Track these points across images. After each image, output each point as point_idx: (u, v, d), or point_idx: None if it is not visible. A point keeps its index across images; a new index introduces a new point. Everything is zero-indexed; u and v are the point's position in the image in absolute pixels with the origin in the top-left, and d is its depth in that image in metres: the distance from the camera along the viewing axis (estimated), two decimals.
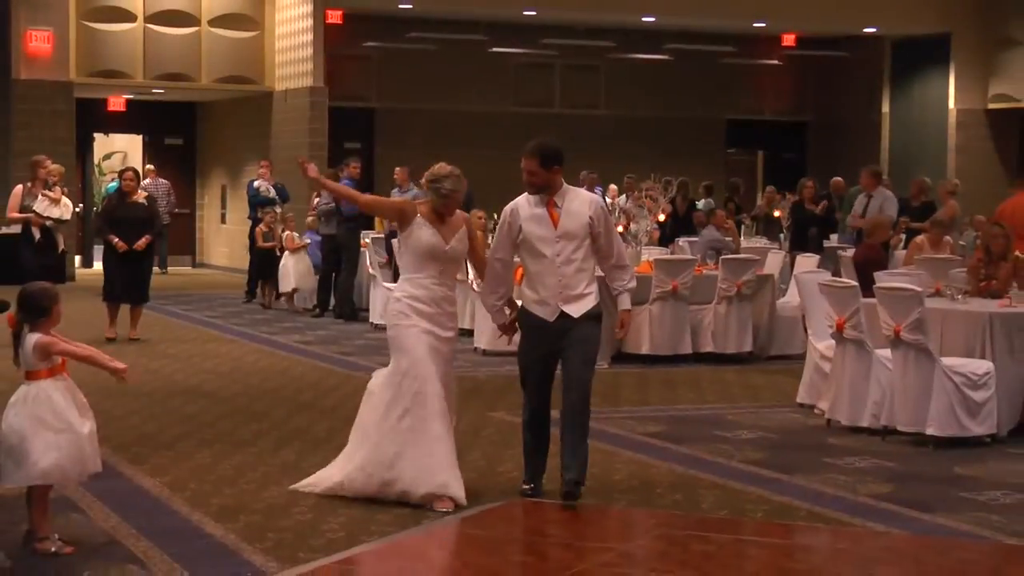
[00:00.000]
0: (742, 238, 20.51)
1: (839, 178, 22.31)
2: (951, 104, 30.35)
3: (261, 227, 21.08)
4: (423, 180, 8.64)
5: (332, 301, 19.86)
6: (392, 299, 8.59)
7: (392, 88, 29.77)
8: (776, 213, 22.85)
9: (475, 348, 16.03)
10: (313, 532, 7.81)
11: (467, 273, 16.72)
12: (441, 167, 8.56)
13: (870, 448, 10.53)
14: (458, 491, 8.19)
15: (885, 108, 31.98)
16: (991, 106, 30.18)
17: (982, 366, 10.63)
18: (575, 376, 8.43)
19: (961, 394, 10.48)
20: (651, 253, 16.95)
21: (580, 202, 8.54)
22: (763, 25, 30.40)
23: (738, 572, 7.23)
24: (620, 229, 17.78)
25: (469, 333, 16.55)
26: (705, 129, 32.45)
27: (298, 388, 13.34)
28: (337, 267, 19.62)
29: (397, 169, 20.68)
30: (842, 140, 31.98)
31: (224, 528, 7.89)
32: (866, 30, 30.59)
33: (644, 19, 29.19)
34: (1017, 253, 12.90)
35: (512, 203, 8.61)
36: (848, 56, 32.50)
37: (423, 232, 8.36)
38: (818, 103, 33.59)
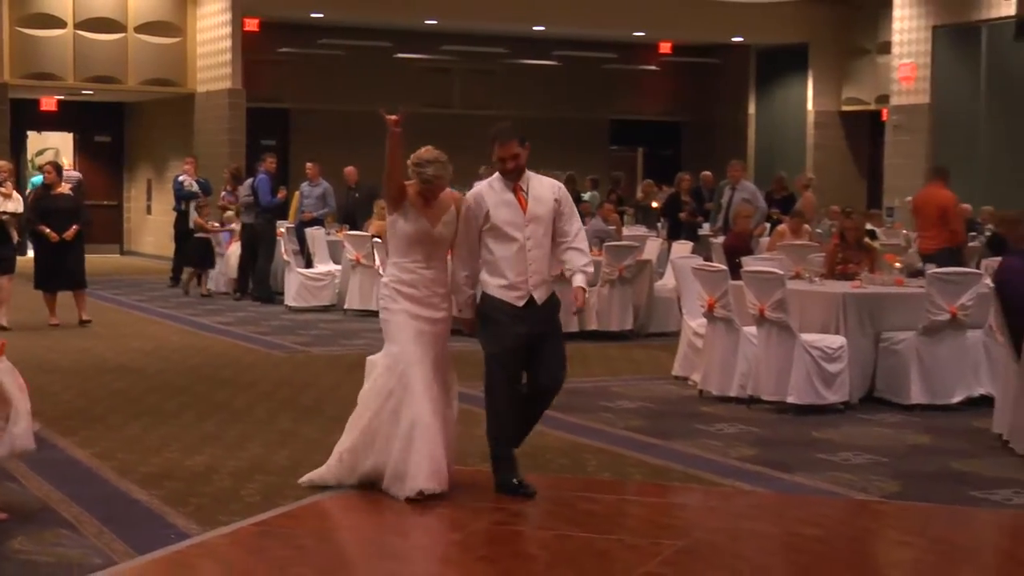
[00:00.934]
0: (624, 227, 20.60)
1: (708, 172, 22.47)
2: (809, 106, 30.70)
3: (197, 219, 20.87)
4: (408, 163, 7.73)
5: (250, 285, 19.74)
6: (381, 284, 7.92)
7: (305, 90, 29.66)
8: (654, 204, 22.96)
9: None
10: (232, 497, 7.75)
11: (375, 257, 16.70)
12: (427, 151, 7.78)
13: (738, 415, 10.62)
14: (425, 483, 7.36)
15: (751, 110, 32.30)
16: (844, 108, 30.57)
17: (836, 341, 10.75)
18: (553, 377, 7.80)
19: (818, 366, 10.59)
20: None
21: (544, 187, 7.84)
22: (642, 34, 30.62)
23: (620, 529, 7.26)
24: None
25: (376, 314, 16.50)
26: (590, 128, 32.59)
27: (219, 365, 13.23)
28: (254, 254, 19.51)
29: (309, 164, 20.64)
30: (713, 138, 32.25)
31: (150, 494, 7.81)
32: (734, 40, 30.85)
33: (535, 28, 29.27)
34: (867, 240, 13.07)
35: (472, 194, 7.87)
36: (718, 63, 32.77)
37: (410, 215, 7.61)
38: (692, 105, 33.81)
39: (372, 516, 7.25)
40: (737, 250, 14.17)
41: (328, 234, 19.32)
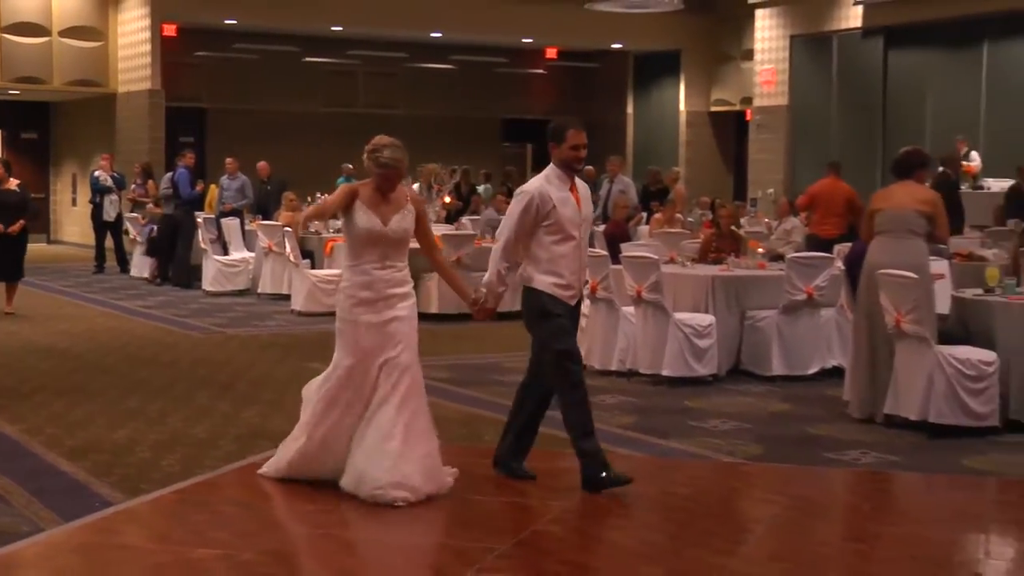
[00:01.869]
0: None
1: (591, 167, 22.53)
2: (681, 107, 30.90)
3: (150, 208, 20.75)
4: (364, 153, 6.96)
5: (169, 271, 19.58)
6: (339, 292, 6.95)
7: (220, 91, 29.37)
8: None
9: (291, 310, 15.89)
10: (153, 468, 7.68)
11: (285, 245, 16.58)
12: (381, 137, 6.97)
13: (618, 387, 10.69)
14: (391, 491, 6.57)
15: (629, 110, 32.46)
16: (712, 109, 30.81)
17: (706, 319, 10.86)
18: None
19: (689, 342, 10.69)
20: (439, 230, 16.93)
21: (584, 188, 7.15)
22: (530, 41, 30.65)
23: (513, 492, 7.26)
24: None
25: (287, 297, 16.45)
26: (483, 126, 32.58)
27: (141, 345, 13.07)
28: (173, 243, 19.33)
29: (228, 159, 20.50)
30: (595, 136, 32.21)
31: (76, 466, 7.71)
32: (613, 46, 30.99)
33: (432, 35, 29.21)
34: (733, 227, 13.20)
35: (534, 188, 6.97)
36: (599, 67, 32.88)
37: (360, 216, 6.76)
38: (575, 105, 33.87)
39: (285, 484, 7.19)
40: (616, 237, 14.26)
41: (247, 224, 19.23)
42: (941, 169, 16.37)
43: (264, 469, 7.12)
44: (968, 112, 24.24)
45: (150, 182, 21.18)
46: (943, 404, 8.68)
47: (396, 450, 6.62)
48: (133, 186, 21.28)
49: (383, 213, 6.81)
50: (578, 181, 7.05)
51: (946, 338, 8.92)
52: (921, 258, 9.07)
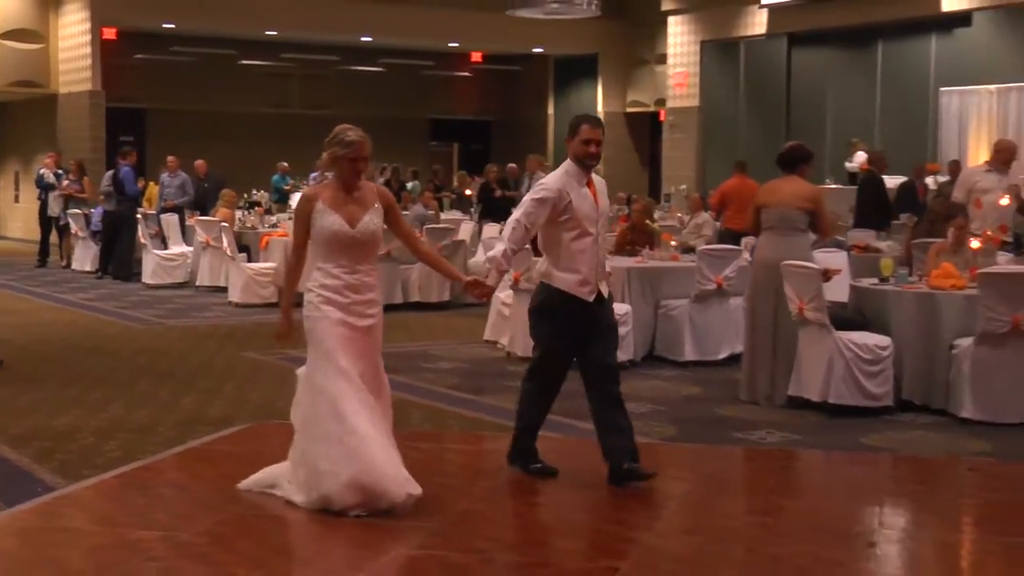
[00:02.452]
0: (441, 212, 20.60)
1: (514, 165, 22.57)
2: (599, 108, 30.99)
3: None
4: (325, 149, 6.32)
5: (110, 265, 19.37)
6: (306, 290, 6.31)
7: (159, 92, 29.15)
8: (467, 192, 22.99)
9: (229, 302, 15.77)
10: (95, 453, 7.58)
11: (223, 240, 16.45)
12: (340, 126, 6.43)
13: None
14: (347, 496, 6.03)
15: (550, 110, 32.55)
16: (628, 110, 31.00)
17: (622, 308, 10.88)
18: (610, 366, 6.75)
19: None
20: None
21: (601, 183, 6.75)
22: (456, 45, 30.68)
23: (441, 473, 7.25)
24: None
25: (224, 289, 16.34)
26: (412, 126, 32.55)
27: (83, 336, 12.91)
28: (114, 237, 19.14)
29: (170, 158, 20.59)
30: (518, 135, 32.41)
31: (19, 453, 7.60)
32: (535, 50, 31.05)
33: (363, 39, 29.12)
34: (647, 222, 13.27)
35: (554, 181, 6.58)
36: (522, 70, 32.95)
37: (325, 219, 6.12)
38: (499, 106, 33.96)
39: (222, 467, 7.14)
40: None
41: (187, 219, 19.12)
42: (868, 168, 16.54)
43: (284, 493, 6.31)
44: (865, 110, 24.57)
45: (85, 179, 20.96)
46: (842, 386, 8.79)
47: (368, 461, 6.01)
48: (66, 182, 21.04)
49: (350, 213, 6.17)
50: (596, 176, 6.72)
51: (844, 324, 9.02)
52: (805, 253, 9.19)
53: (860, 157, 22.08)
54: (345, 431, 6.00)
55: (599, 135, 6.60)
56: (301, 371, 6.45)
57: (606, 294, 6.74)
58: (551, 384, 6.86)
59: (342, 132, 6.32)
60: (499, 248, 6.57)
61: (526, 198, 6.69)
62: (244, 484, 6.49)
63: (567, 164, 6.66)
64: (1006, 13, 22.53)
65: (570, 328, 6.63)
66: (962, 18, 22.96)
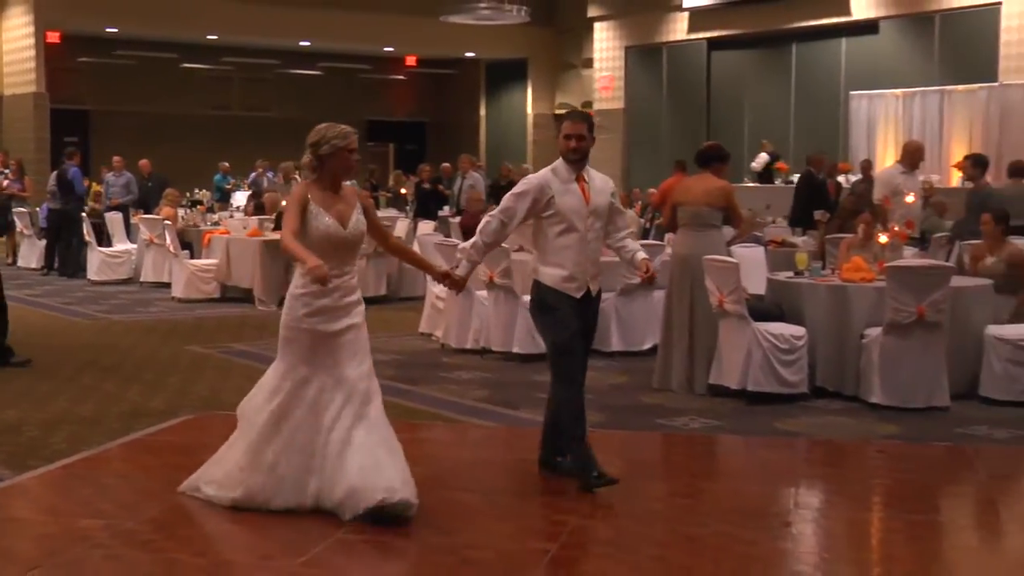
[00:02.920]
0: (379, 210, 20.52)
1: (447, 164, 22.55)
2: (529, 110, 31.12)
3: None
4: (307, 152, 5.90)
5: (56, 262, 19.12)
6: (290, 296, 5.82)
7: (103, 94, 28.83)
8: (403, 190, 22.94)
9: (172, 297, 15.62)
10: (41, 445, 7.45)
11: (166, 238, 16.27)
12: (322, 125, 6.03)
13: (473, 364, 10.70)
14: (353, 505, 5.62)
15: (482, 112, 32.59)
16: (557, 111, 31.09)
17: None
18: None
19: None
20: None
21: (601, 180, 6.45)
22: (391, 49, 30.62)
23: None
24: (284, 203, 17.65)
25: (167, 285, 16.18)
26: (349, 126, 32.40)
27: (29, 332, 12.64)
28: (59, 235, 18.92)
29: (116, 158, 20.39)
30: (451, 136, 32.39)
31: None
32: (467, 54, 31.07)
33: (302, 43, 28.99)
34: None
35: (536, 177, 6.36)
36: (454, 73, 32.93)
37: (319, 220, 5.71)
38: (433, 108, 33.92)
39: (166, 458, 7.07)
40: (471, 228, 14.20)
41: (132, 217, 18.94)
42: (807, 168, 16.68)
43: (207, 493, 5.96)
44: (780, 111, 24.83)
45: (26, 178, 20.68)
46: (759, 374, 8.86)
47: (385, 460, 5.69)
48: (7, 182, 20.75)
49: (340, 213, 5.79)
50: (592, 172, 6.41)
51: (762, 316, 9.09)
52: (719, 248, 9.25)
53: (762, 158, 22.31)
54: (318, 445, 5.68)
55: (580, 129, 6.33)
56: (271, 371, 5.99)
57: (595, 291, 6.41)
58: (576, 377, 6.38)
59: (332, 127, 5.96)
60: (470, 242, 6.39)
61: (508, 193, 6.45)
62: (182, 487, 6.13)
63: (557, 161, 6.40)
64: (910, 22, 22.86)
65: (571, 322, 6.29)
66: (870, 25, 23.28)
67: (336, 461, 5.65)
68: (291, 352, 5.80)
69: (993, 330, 9.08)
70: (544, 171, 6.39)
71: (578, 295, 6.30)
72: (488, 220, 6.32)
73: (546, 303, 6.34)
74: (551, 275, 6.30)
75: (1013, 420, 8.41)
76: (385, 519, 5.53)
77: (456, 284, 6.36)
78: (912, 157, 12.54)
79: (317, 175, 5.85)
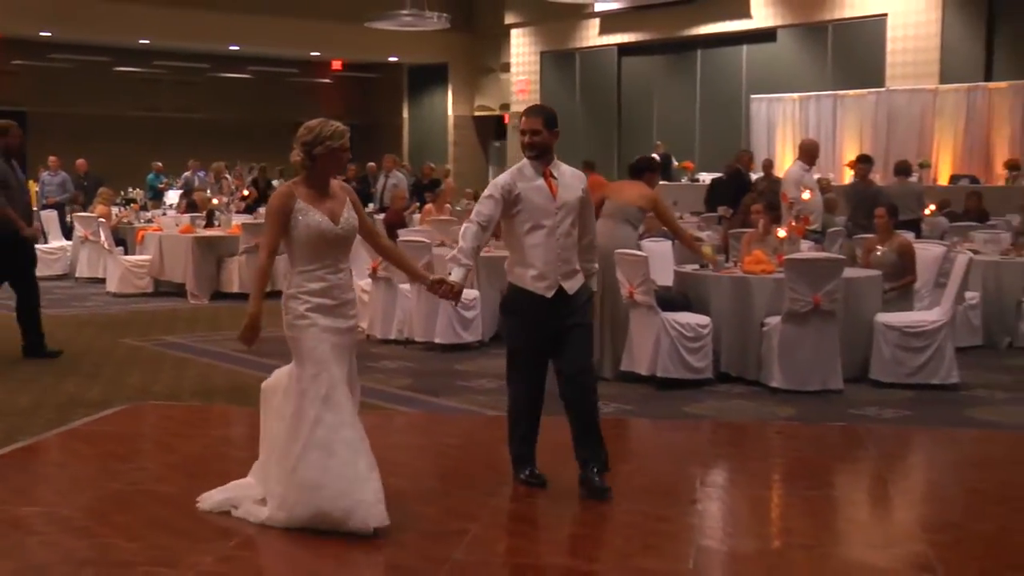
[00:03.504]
0: None
1: (373, 164, 22.44)
2: (449, 112, 31.06)
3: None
4: (296, 144, 5.40)
5: None
6: (287, 297, 5.37)
7: (39, 96, 28.31)
8: None
9: (107, 292, 15.38)
10: None
11: (100, 234, 16.01)
12: (317, 122, 5.50)
13: (396, 354, 10.67)
14: (376, 515, 5.18)
15: (405, 114, 32.48)
16: (476, 113, 31.10)
17: (471, 293, 10.89)
18: (579, 371, 5.90)
19: (457, 313, 10.71)
20: (240, 219, 16.61)
21: (571, 175, 5.96)
22: (318, 54, 30.40)
23: None
24: (215, 201, 17.46)
25: (102, 280, 15.94)
26: (278, 128, 31.87)
27: None
28: None
29: (51, 158, 20.16)
30: (376, 137, 32.23)
31: None
32: (390, 59, 30.93)
33: (231, 48, 28.66)
34: None
35: (502, 177, 5.91)
36: (378, 77, 32.78)
37: (309, 218, 5.22)
38: (359, 110, 33.71)
39: (101, 446, 6.96)
40: (394, 224, 14.20)
41: (68, 214, 18.63)
42: (736, 166, 16.83)
43: (244, 514, 5.43)
44: (686, 113, 25.04)
45: None
46: (668, 361, 8.93)
47: (375, 473, 5.25)
48: None
49: (331, 210, 5.31)
50: (563, 168, 5.94)
51: (670, 306, 9.16)
52: (631, 242, 9.32)
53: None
54: (336, 443, 5.15)
55: (534, 124, 5.85)
56: (273, 383, 5.55)
57: (571, 290, 5.83)
58: (525, 386, 5.98)
59: (326, 125, 5.43)
60: (458, 246, 5.82)
61: (480, 197, 5.97)
62: (203, 504, 5.61)
63: (524, 160, 5.96)
64: (806, 31, 23.17)
65: (533, 326, 5.83)
66: (769, 33, 23.56)
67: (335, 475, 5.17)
68: (297, 352, 5.35)
69: (882, 318, 9.24)
70: (511, 170, 5.97)
71: (549, 294, 5.79)
72: (467, 226, 5.81)
73: (509, 306, 6.00)
74: (521, 275, 5.85)
75: (900, 401, 8.57)
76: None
77: (453, 292, 5.72)
78: (812, 154, 12.73)
79: (306, 173, 5.35)
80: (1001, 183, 18.77)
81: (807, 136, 21.53)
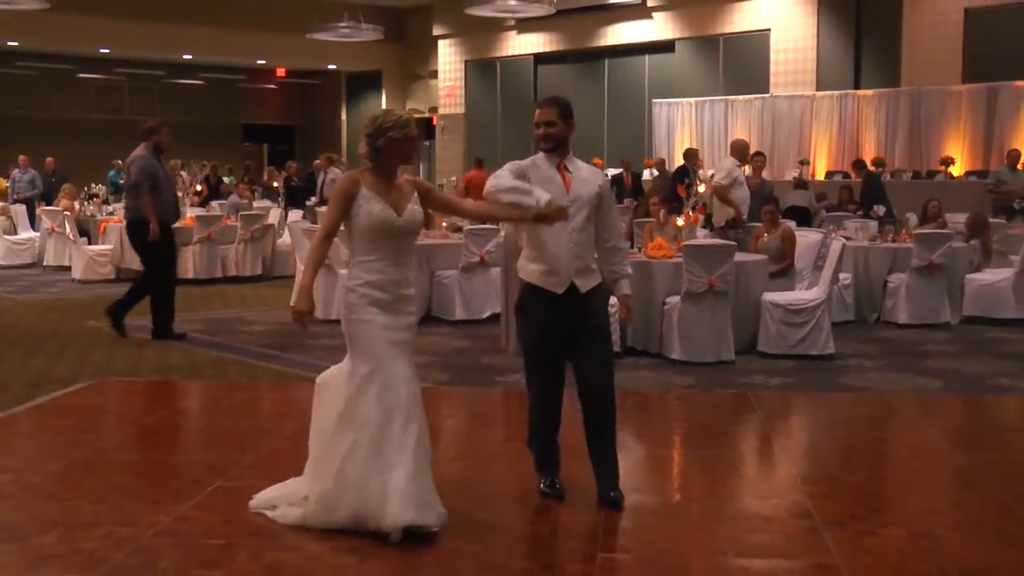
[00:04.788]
0: (254, 200, 20.10)
1: (319, 161, 22.21)
2: None
3: None
4: (364, 136, 4.66)
5: None
6: (345, 289, 4.72)
7: (6, 100, 27.67)
8: (275, 184, 22.53)
9: (72, 279, 15.08)
10: None
11: (65, 227, 15.68)
12: (383, 110, 4.81)
13: (335, 332, 10.40)
14: (428, 517, 4.58)
15: (343, 116, 32.17)
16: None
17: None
18: (594, 380, 5.11)
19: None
20: (193, 212, 16.37)
21: (588, 171, 5.14)
22: (264, 62, 30.01)
23: (253, 417, 7.10)
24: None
25: (68, 268, 15.62)
26: (227, 130, 31.73)
27: None
28: None
29: (22, 157, 19.76)
30: (316, 137, 31.95)
31: None
32: (329, 67, 30.62)
33: (184, 56, 28.20)
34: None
35: (517, 162, 5.00)
36: (319, 83, 32.45)
37: (372, 206, 4.60)
38: (301, 113, 33.39)
39: (67, 419, 6.82)
40: None
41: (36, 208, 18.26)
42: (683, 164, 16.89)
43: (279, 515, 4.84)
44: (596, 117, 25.10)
45: None
46: None
47: (412, 481, 4.56)
48: None
49: (395, 202, 4.66)
50: (578, 163, 5.14)
51: None
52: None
53: None
54: (384, 444, 4.53)
55: (549, 115, 5.05)
56: (327, 378, 4.78)
57: (584, 288, 5.02)
58: (538, 390, 5.19)
59: (387, 116, 4.69)
60: (505, 187, 4.82)
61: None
62: (254, 502, 4.99)
63: (540, 152, 5.13)
64: (701, 43, 23.36)
65: (545, 325, 5.04)
66: (668, 45, 23.71)
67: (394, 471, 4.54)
68: (355, 348, 4.63)
69: (768, 297, 9.36)
70: (524, 160, 5.08)
71: (559, 290, 4.99)
72: (498, 174, 4.91)
73: (521, 305, 5.18)
74: (532, 271, 5.07)
75: (784, 370, 8.70)
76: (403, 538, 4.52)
77: (559, 212, 4.78)
78: (743, 152, 12.80)
79: (373, 164, 4.70)
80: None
81: (702, 137, 21.77)
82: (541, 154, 5.09)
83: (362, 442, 4.53)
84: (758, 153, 14.54)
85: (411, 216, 4.67)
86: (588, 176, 5.10)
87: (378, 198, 4.62)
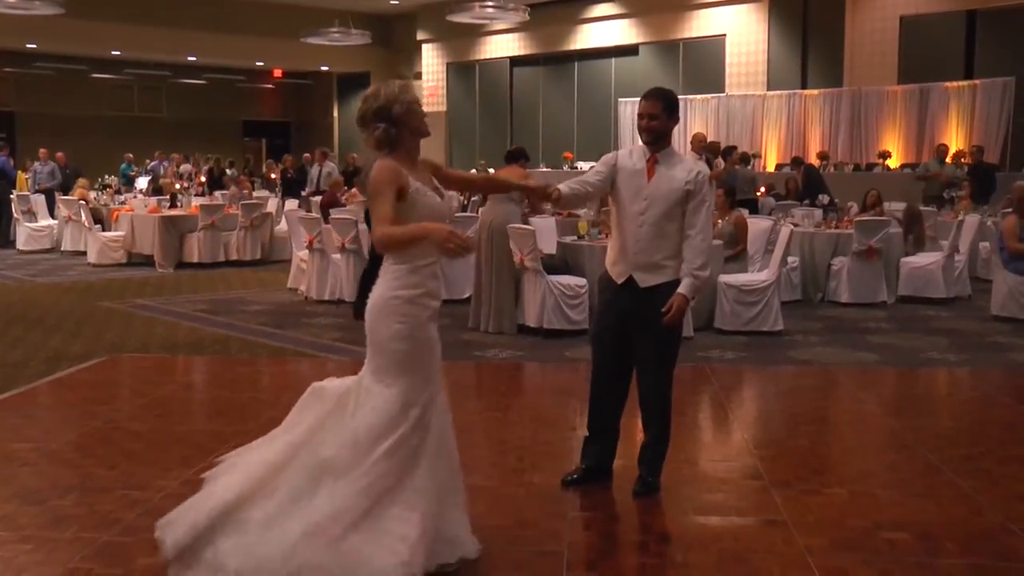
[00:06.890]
0: (254, 191, 19.98)
1: (308, 155, 22.08)
2: None
3: None
4: (368, 118, 3.59)
5: None
6: (399, 300, 3.52)
7: (25, 99, 27.37)
8: (273, 176, 22.39)
9: (87, 263, 14.97)
10: None
11: (81, 215, 15.51)
12: (372, 89, 3.64)
13: (330, 312, 10.55)
14: (470, 548, 3.77)
15: (335, 114, 31.97)
16: None
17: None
18: (641, 379, 4.70)
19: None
20: (198, 201, 16.25)
21: (681, 167, 4.56)
22: (262, 63, 29.78)
23: (253, 389, 7.09)
24: (177, 186, 17.04)
25: (83, 253, 15.52)
26: (229, 126, 31.51)
27: None
28: None
29: (42, 150, 19.68)
30: (310, 133, 31.77)
31: None
32: (322, 68, 30.43)
33: (189, 58, 27.96)
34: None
35: (615, 152, 4.68)
36: (312, 83, 32.24)
37: (428, 199, 3.52)
38: (297, 111, 33.17)
39: (83, 392, 6.76)
40: (329, 204, 13.97)
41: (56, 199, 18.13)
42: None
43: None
44: (566, 115, 25.05)
45: None
46: (552, 315, 8.97)
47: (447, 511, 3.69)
48: None
49: (434, 188, 3.62)
50: (675, 158, 4.61)
51: (554, 270, 9.19)
52: (515, 217, 9.29)
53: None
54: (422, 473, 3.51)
55: (652, 108, 4.56)
56: (332, 391, 3.73)
57: (644, 283, 4.55)
58: (597, 366, 4.80)
59: (386, 86, 3.64)
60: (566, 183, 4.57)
61: None
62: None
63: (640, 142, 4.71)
64: (662, 47, 23.33)
65: (602, 309, 4.72)
66: (632, 49, 23.67)
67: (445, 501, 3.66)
68: (409, 368, 3.54)
69: (723, 278, 9.38)
70: (623, 150, 4.71)
71: (619, 280, 4.60)
72: (577, 177, 4.62)
73: (598, 288, 4.86)
74: (607, 257, 4.72)
75: (737, 345, 8.73)
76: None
77: (462, 246, 3.45)
78: (700, 145, 12.80)
79: (393, 148, 3.57)
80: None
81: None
82: (641, 144, 4.65)
83: (416, 475, 3.43)
84: (722, 148, 14.60)
85: (448, 200, 3.64)
86: (677, 174, 4.54)
87: (424, 186, 3.53)
